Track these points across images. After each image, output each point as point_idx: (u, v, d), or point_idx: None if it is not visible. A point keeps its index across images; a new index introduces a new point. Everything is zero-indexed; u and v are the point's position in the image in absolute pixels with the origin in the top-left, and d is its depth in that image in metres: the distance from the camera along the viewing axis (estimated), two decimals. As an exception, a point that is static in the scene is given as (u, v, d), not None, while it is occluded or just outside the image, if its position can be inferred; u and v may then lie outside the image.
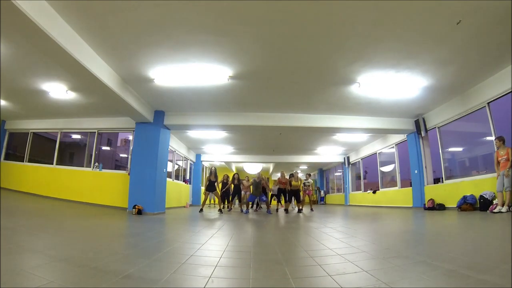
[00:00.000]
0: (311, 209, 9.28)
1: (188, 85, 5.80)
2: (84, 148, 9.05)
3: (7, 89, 6.58)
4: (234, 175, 9.59)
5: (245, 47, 4.47)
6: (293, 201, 9.95)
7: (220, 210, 8.09)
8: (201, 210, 8.30)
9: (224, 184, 9.20)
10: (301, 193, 9.03)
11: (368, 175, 13.76)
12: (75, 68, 4.42)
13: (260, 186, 8.39)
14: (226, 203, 10.15)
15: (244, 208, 8.42)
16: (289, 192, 8.63)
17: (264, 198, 8.44)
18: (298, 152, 14.11)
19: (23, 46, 4.45)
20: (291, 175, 9.04)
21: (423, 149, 8.23)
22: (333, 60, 4.86)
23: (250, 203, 9.27)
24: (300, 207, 8.59)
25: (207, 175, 9.26)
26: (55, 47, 3.77)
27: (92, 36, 4.16)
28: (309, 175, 10.52)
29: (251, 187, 8.67)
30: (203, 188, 10.89)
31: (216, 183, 8.51)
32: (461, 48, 4.46)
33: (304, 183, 9.44)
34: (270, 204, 9.91)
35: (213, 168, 8.68)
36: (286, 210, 8.22)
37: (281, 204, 9.66)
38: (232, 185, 9.54)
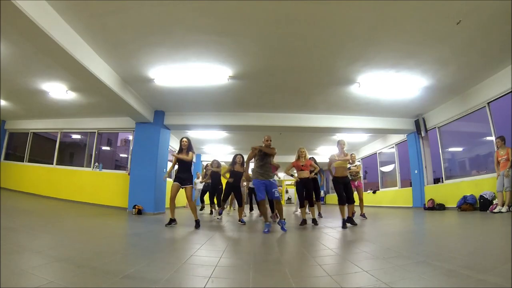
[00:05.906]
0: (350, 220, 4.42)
1: (188, 85, 5.80)
2: (84, 148, 9.06)
3: (7, 89, 6.58)
4: (236, 156, 5.67)
5: (245, 47, 4.47)
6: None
7: (218, 214, 5.67)
8: (172, 220, 4.56)
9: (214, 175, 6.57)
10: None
11: (368, 175, 13.77)
12: (75, 68, 4.42)
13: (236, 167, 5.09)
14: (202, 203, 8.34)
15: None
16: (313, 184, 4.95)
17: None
18: (298, 152, 14.08)
19: (23, 46, 4.45)
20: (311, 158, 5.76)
21: (423, 149, 8.23)
22: (333, 60, 4.86)
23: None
24: (361, 213, 5.39)
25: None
26: (55, 47, 3.77)
27: (92, 36, 4.16)
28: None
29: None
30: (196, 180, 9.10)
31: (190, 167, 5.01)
32: (461, 48, 4.46)
33: (349, 168, 5.42)
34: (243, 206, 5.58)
35: (184, 139, 4.89)
36: (304, 221, 4.65)
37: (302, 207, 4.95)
38: (228, 175, 5.66)
